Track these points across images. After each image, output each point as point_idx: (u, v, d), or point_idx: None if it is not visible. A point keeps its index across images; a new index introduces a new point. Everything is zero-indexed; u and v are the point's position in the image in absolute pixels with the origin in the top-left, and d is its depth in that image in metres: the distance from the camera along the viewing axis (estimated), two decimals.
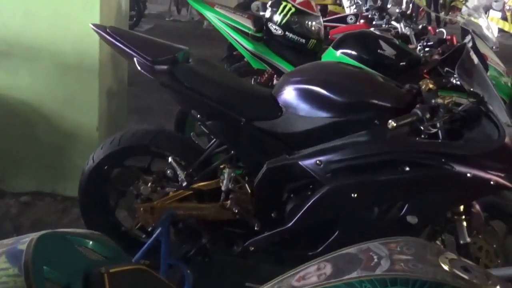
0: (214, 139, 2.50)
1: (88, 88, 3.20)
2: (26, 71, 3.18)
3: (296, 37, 3.88)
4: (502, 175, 2.04)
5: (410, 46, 3.96)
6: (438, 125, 2.08)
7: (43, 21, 3.10)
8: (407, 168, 2.10)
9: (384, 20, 4.68)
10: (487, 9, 9.01)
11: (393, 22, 4.53)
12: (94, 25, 2.50)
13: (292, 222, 2.24)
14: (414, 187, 2.15)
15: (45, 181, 3.35)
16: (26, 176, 3.34)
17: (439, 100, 2.09)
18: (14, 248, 0.97)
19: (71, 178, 3.19)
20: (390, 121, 1.99)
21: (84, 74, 3.17)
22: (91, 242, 1.13)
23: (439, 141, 2.10)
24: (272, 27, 3.91)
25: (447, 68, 2.75)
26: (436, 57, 3.59)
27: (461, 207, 2.21)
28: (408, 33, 4.29)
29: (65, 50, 3.13)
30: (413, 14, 5.41)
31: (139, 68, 2.34)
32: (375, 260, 0.91)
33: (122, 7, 3.56)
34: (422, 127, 2.07)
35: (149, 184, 2.49)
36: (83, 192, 2.62)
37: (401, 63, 3.40)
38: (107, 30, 2.41)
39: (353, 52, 3.42)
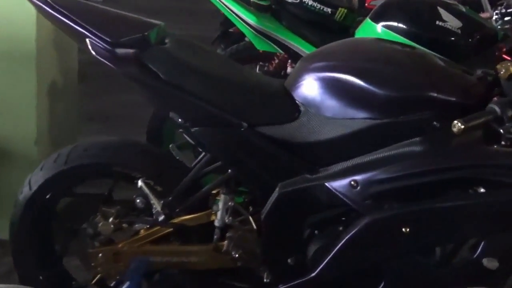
0: (203, 153, 2.50)
1: (22, 85, 3.22)
2: None
3: (319, 5, 3.88)
4: None
5: (482, 15, 3.95)
6: None
7: None
8: (482, 190, 2.11)
9: None
10: None
11: None
12: None
13: (317, 271, 2.24)
14: (492, 218, 2.15)
15: None
16: None
17: None
18: None
19: None
20: (455, 122, 1.98)
21: (16, 65, 3.19)
22: None
23: None
24: None
25: None
26: None
27: None
28: None
29: None
30: None
31: (93, 53, 2.33)
32: None
33: None
34: (501, 130, 2.06)
35: (111, 219, 2.49)
36: (16, 232, 2.62)
37: (469, 40, 3.39)
38: (48, 0, 2.41)
39: (401, 25, 3.41)
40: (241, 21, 3.93)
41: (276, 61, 4.07)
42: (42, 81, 3.28)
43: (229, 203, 2.39)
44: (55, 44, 3.40)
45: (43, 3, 2.39)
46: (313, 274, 2.25)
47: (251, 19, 3.88)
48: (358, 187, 2.16)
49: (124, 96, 4.69)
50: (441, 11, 3.40)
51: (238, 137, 2.31)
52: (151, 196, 2.46)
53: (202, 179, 2.55)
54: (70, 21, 2.34)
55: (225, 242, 2.38)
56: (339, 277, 2.30)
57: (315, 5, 3.87)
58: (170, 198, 2.45)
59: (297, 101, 2.30)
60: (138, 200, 2.51)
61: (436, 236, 2.20)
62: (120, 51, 2.32)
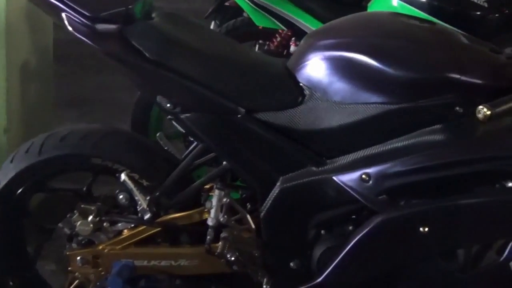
0: (195, 143, 2.50)
1: None
2: None
3: None
4: None
5: None
6: None
7: None
8: (510, 184, 2.10)
9: None
10: None
11: None
12: None
13: (323, 276, 2.24)
14: None
15: None
16: None
17: None
18: None
19: None
20: (481, 107, 1.97)
21: None
22: None
23: None
24: None
25: None
26: None
27: None
28: None
29: None
30: None
31: (70, 29, 2.32)
32: None
33: None
34: None
35: (90, 217, 2.48)
36: None
37: (497, 14, 3.38)
38: None
39: None
40: None
41: (278, 38, 4.05)
42: (13, 62, 3.28)
43: (224, 200, 2.38)
44: (28, 19, 3.39)
45: None
46: (318, 280, 2.25)
47: None
48: (371, 181, 2.16)
49: (105, 78, 4.69)
50: None
51: (234, 124, 2.30)
52: (135, 191, 2.45)
53: (194, 173, 2.56)
54: None
55: (220, 244, 2.37)
56: (348, 284, 2.30)
57: None
58: (157, 194, 2.45)
59: (301, 84, 2.29)
60: (121, 196, 2.51)
61: (458, 237, 2.21)
62: (101, 27, 2.30)
